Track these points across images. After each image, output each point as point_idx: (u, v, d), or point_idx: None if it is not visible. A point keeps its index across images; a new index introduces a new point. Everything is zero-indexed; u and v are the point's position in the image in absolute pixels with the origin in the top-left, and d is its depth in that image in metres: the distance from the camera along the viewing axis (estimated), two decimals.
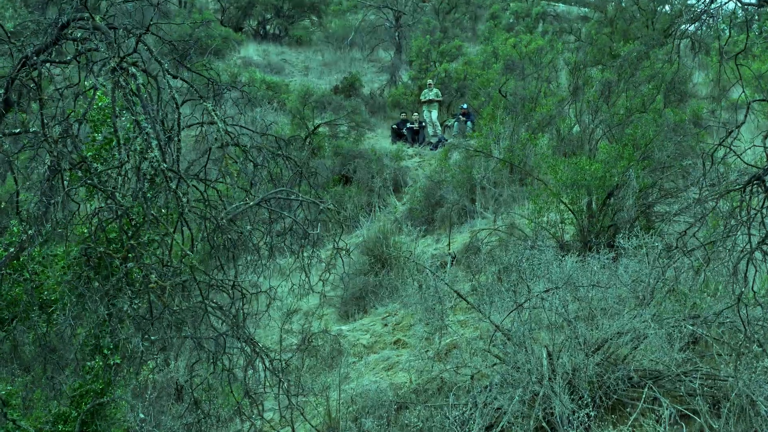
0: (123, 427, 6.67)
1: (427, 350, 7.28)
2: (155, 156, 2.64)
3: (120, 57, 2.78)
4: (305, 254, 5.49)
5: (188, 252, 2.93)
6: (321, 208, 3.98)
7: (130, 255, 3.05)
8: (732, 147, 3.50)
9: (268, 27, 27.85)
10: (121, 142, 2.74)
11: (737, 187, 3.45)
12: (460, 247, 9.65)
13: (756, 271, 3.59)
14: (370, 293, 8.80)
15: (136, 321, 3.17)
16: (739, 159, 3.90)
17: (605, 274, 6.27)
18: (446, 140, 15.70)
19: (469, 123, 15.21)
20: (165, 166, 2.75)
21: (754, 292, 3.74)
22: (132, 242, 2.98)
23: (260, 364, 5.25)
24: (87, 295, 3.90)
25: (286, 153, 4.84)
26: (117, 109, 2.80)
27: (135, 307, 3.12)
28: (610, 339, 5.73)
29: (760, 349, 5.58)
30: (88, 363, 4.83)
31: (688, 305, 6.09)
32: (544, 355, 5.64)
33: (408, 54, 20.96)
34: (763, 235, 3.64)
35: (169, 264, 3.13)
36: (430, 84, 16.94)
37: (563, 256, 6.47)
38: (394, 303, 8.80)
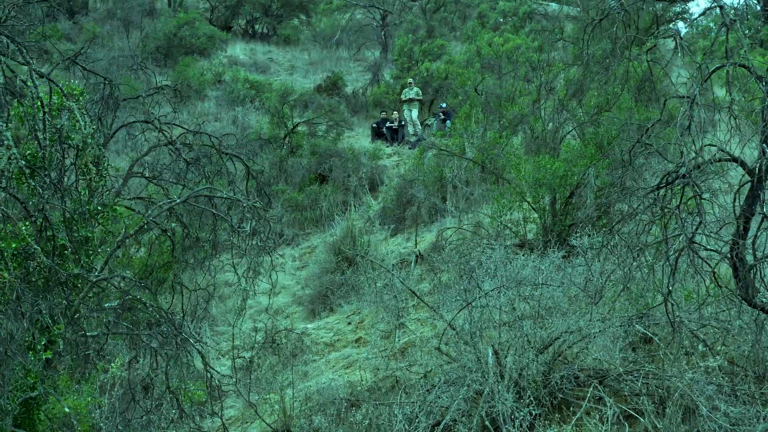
0: (87, 423, 6.67)
1: (384, 348, 7.27)
2: (13, 153, 2.62)
3: None
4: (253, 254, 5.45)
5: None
6: (245, 205, 3.95)
7: None
8: (650, 143, 3.48)
9: (256, 26, 27.81)
10: None
11: (652, 187, 3.43)
12: (428, 245, 9.65)
13: (671, 270, 3.57)
14: (333, 292, 8.79)
15: None
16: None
17: (560, 273, 6.26)
18: (425, 139, 15.68)
19: (448, 122, 15.18)
20: (23, 163, 2.73)
21: (667, 292, 3.71)
22: None
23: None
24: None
25: (223, 150, 4.83)
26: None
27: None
28: (558, 338, 5.72)
29: (706, 348, 5.58)
30: (26, 357, 4.83)
31: (639, 305, 6.07)
32: (490, 354, 5.63)
33: (393, 53, 20.96)
34: (689, 236, 3.62)
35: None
36: (410, 83, 16.92)
37: (516, 254, 6.46)
38: (359, 302, 8.79)
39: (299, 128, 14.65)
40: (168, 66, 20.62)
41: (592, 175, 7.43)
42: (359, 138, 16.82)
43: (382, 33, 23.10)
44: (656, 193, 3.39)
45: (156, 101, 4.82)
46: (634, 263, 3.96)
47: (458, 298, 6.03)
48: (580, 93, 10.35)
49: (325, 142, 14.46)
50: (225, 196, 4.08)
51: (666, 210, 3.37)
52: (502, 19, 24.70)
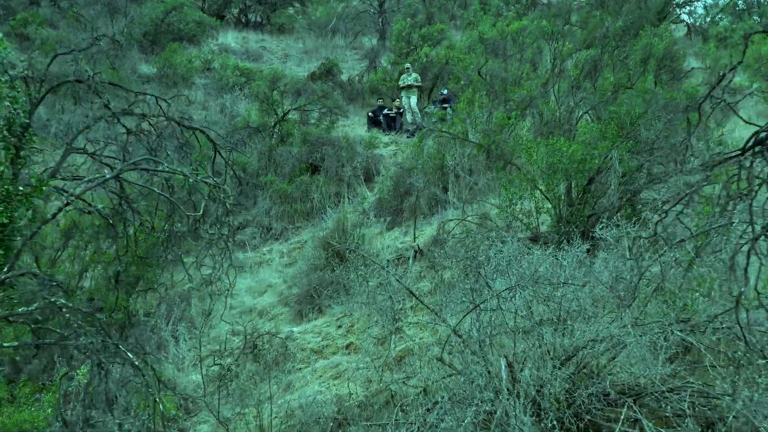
0: None
1: (378, 357, 6.32)
2: None
3: None
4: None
5: None
6: (192, 180, 3.00)
7: None
8: (724, 99, 2.55)
9: (250, 15, 26.77)
10: None
11: (735, 152, 2.49)
12: (428, 239, 8.71)
13: (761, 264, 2.63)
14: (320, 292, 7.84)
15: None
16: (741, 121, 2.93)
17: (581, 270, 5.32)
18: (425, 127, 14.68)
19: (449, 109, 14.19)
20: None
21: (758, 292, 2.78)
22: None
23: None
24: None
25: (171, 117, 3.88)
26: None
27: None
28: (583, 348, 4.79)
29: (765, 360, 4.63)
30: None
31: (677, 307, 5.14)
32: (503, 366, 4.70)
33: (391, 39, 19.98)
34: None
35: None
36: (408, 68, 15.89)
37: (530, 249, 5.51)
38: (350, 303, 7.85)
39: (290, 116, 13.67)
40: (155, 53, 19.60)
41: (615, 159, 6.48)
42: (355, 127, 15.85)
43: (380, 20, 22.18)
44: (740, 159, 2.46)
45: (96, 57, 3.87)
46: (696, 257, 3.02)
47: (464, 299, 5.11)
48: (595, 72, 9.40)
49: (318, 130, 13.47)
50: (167, 169, 3.13)
51: (758, 179, 2.44)
52: (504, 6, 23.72)
